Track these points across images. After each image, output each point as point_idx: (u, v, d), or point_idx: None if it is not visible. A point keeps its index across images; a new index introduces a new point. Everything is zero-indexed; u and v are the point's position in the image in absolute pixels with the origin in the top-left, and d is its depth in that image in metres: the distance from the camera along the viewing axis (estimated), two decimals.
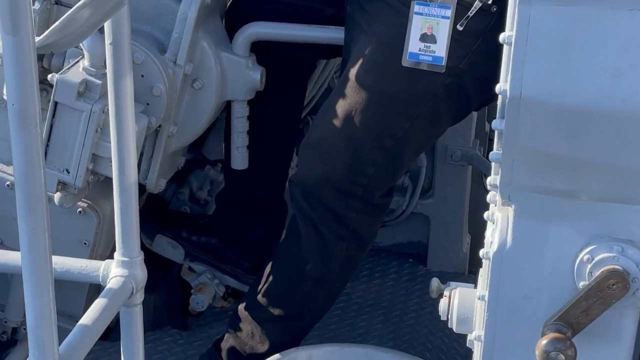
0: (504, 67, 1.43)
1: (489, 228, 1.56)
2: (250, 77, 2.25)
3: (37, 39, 1.35)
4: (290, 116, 2.50)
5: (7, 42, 1.30)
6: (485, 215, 1.56)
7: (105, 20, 1.60)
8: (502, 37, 1.42)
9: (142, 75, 2.08)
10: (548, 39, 1.38)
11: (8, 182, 2.17)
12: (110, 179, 1.80)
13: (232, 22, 2.29)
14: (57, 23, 1.41)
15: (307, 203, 2.18)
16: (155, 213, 2.54)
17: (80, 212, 2.16)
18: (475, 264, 2.70)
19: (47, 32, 1.40)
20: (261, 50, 2.28)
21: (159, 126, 2.18)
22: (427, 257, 2.96)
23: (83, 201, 2.16)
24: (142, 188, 2.19)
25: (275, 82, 2.33)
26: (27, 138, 1.36)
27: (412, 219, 2.93)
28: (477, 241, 2.64)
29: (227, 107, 2.36)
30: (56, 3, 2.06)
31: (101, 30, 1.67)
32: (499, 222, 1.51)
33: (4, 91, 2.02)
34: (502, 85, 1.43)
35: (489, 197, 1.55)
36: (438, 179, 2.87)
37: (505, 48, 1.42)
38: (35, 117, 1.35)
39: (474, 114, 2.70)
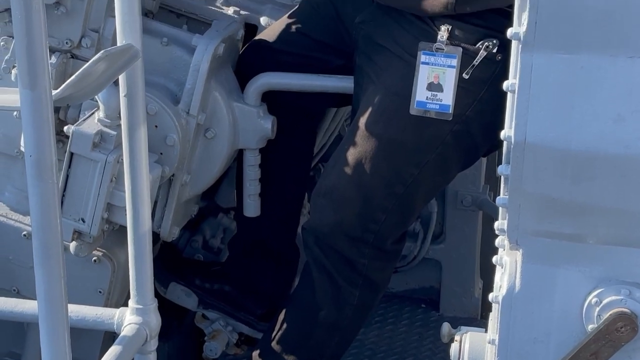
0: (508, 114, 1.46)
1: (498, 272, 1.58)
2: (261, 126, 2.29)
3: (54, 92, 1.40)
4: (301, 164, 2.54)
5: (25, 96, 1.35)
6: (494, 259, 1.59)
7: (120, 73, 1.65)
8: (505, 84, 1.46)
9: (156, 126, 2.12)
10: (551, 87, 1.42)
11: (24, 232, 2.21)
12: (125, 228, 1.84)
13: (243, 73, 2.34)
14: (73, 77, 1.46)
15: (320, 250, 2.21)
16: (168, 261, 2.57)
17: (95, 260, 2.19)
18: (487, 308, 2.71)
19: (63, 85, 1.44)
20: (272, 99, 2.33)
21: (173, 175, 2.22)
22: (439, 303, 2.98)
23: (98, 250, 2.19)
24: (155, 236, 2.22)
25: (286, 130, 2.37)
26: (44, 188, 1.40)
27: (424, 265, 2.95)
28: (489, 286, 2.65)
29: (239, 155, 2.40)
30: (72, 57, 2.12)
31: (116, 82, 1.73)
32: (507, 266, 1.54)
33: (21, 142, 2.10)
34: (507, 132, 1.47)
35: (497, 241, 1.58)
36: (449, 225, 2.90)
37: (509, 95, 1.46)
38: (52, 168, 1.39)
39: (483, 159, 2.73)
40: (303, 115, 2.44)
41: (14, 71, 2.07)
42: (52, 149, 1.39)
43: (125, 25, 1.67)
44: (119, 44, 1.69)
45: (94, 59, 1.50)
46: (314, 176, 2.68)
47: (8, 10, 2.03)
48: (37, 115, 1.36)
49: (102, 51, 1.51)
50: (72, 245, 2.09)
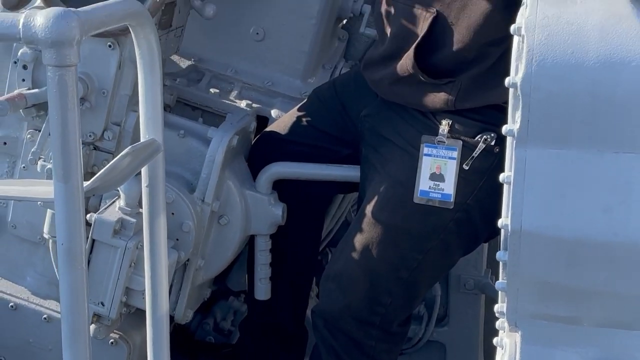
0: (505, 204, 1.56)
1: (499, 353, 1.65)
2: (272, 213, 2.38)
3: (84, 184, 1.51)
4: (310, 249, 2.60)
5: (59, 189, 1.46)
6: (495, 340, 1.66)
7: (143, 165, 1.76)
8: (501, 177, 1.56)
9: (173, 213, 2.21)
10: (543, 179, 1.52)
11: (45, 316, 2.28)
12: (141, 310, 1.92)
13: (255, 162, 2.42)
14: (103, 170, 1.57)
15: (329, 332, 2.27)
16: (181, 343, 2.63)
17: (112, 342, 2.26)
18: None
19: (94, 178, 1.56)
20: (282, 187, 2.41)
21: (188, 260, 2.31)
22: None
23: (115, 332, 2.26)
24: (169, 319, 2.29)
25: (295, 216, 2.44)
26: (74, 275, 1.49)
27: (429, 347, 2.99)
28: None
29: (249, 240, 2.49)
30: (95, 148, 2.23)
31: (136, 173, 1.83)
32: (507, 347, 1.61)
33: (44, 229, 2.19)
34: (504, 220, 1.56)
35: (497, 323, 1.65)
36: (452, 308, 2.94)
37: (505, 187, 1.56)
38: (82, 255, 1.49)
39: (485, 244, 2.81)
40: (311, 202, 2.51)
41: (40, 162, 2.17)
42: (82, 238, 1.49)
43: (148, 122, 1.78)
44: (142, 138, 1.80)
45: (122, 154, 1.62)
46: (321, 260, 2.76)
47: (36, 105, 2.15)
48: (69, 206, 1.46)
49: (129, 147, 1.63)
50: (92, 328, 2.16)
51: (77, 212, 1.47)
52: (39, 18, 1.39)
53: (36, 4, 2.08)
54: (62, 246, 1.48)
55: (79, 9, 1.45)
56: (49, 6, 2.01)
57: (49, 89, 1.42)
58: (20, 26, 1.40)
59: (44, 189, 1.60)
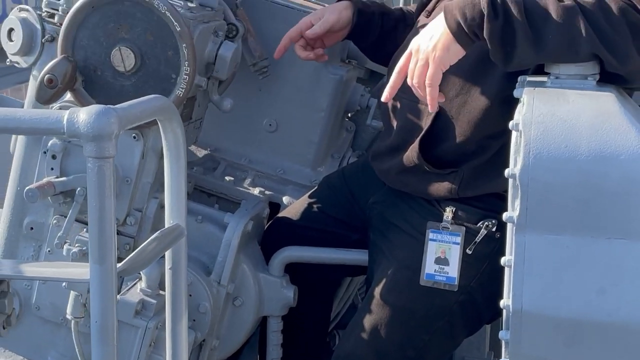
0: (506, 286, 1.67)
1: None
2: (284, 295, 2.47)
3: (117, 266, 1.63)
4: (319, 330, 2.68)
5: (94, 270, 1.58)
6: None
7: (167, 248, 1.88)
8: (502, 260, 1.68)
9: (190, 295, 2.31)
10: (541, 263, 1.64)
11: None
12: None
13: (268, 246, 2.52)
14: (134, 253, 1.70)
15: None
16: None
17: None
18: None
19: (125, 260, 1.68)
20: (294, 270, 2.51)
21: (203, 340, 2.40)
22: None
23: None
24: None
25: (306, 298, 2.53)
26: (106, 351, 1.60)
27: None
28: None
29: (261, 321, 2.58)
30: (117, 233, 2.33)
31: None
32: None
33: (67, 310, 2.30)
34: (506, 301, 1.67)
35: None
36: None
37: (506, 270, 1.68)
38: (113, 332, 1.60)
39: (487, 326, 2.89)
40: (321, 284, 2.60)
41: (65, 246, 2.27)
42: (114, 316, 1.60)
43: (173, 208, 1.91)
44: (167, 223, 1.93)
45: (151, 238, 1.75)
46: (329, 342, 2.85)
47: (63, 192, 2.28)
48: (103, 286, 1.58)
49: (158, 232, 1.76)
50: None
51: (110, 291, 1.59)
52: (82, 114, 1.54)
53: (67, 98, 2.23)
54: (96, 323, 1.59)
55: (116, 106, 1.60)
56: (78, 100, 2.17)
57: (89, 179, 1.55)
58: (65, 122, 1.54)
59: (79, 271, 1.71)
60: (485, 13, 1.87)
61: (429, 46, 1.96)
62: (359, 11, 2.50)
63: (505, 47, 1.88)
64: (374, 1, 2.60)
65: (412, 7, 2.62)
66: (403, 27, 2.51)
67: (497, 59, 1.93)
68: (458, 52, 1.96)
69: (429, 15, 2.31)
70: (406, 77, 2.05)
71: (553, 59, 1.87)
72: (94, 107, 1.55)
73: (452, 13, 1.93)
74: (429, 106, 2.01)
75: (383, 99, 2.10)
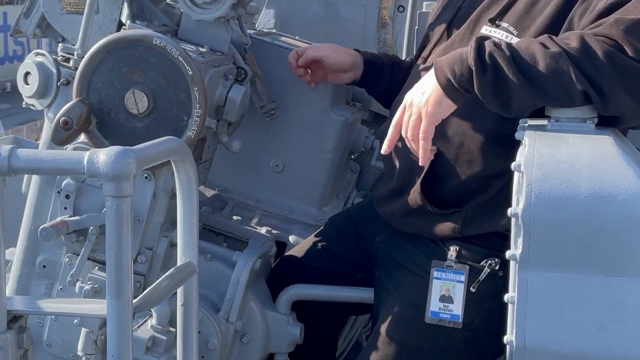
0: (510, 322, 1.72)
1: None
2: (291, 332, 2.51)
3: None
4: None
5: (111, 305, 1.62)
6: None
7: (180, 285, 1.93)
8: (506, 297, 1.73)
9: (200, 332, 2.35)
10: (544, 299, 1.69)
11: None
12: None
13: (275, 284, 2.57)
14: (148, 289, 1.75)
15: None
16: None
17: None
18: None
19: (140, 296, 1.73)
20: (300, 307, 2.55)
21: None
22: None
23: None
24: None
25: (312, 336, 2.57)
26: None
27: None
28: None
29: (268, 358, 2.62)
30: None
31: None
32: None
33: (78, 347, 2.34)
34: (509, 337, 1.72)
35: None
36: None
37: (509, 306, 1.73)
38: None
39: None
40: (327, 322, 2.64)
41: (78, 284, 2.33)
42: (130, 350, 1.65)
43: (185, 246, 1.97)
44: (179, 261, 1.98)
45: (165, 275, 1.80)
46: None
47: (76, 231, 2.33)
48: (120, 321, 1.63)
49: (172, 269, 1.81)
50: None
51: (127, 326, 1.64)
52: (102, 155, 1.60)
53: (80, 140, 2.30)
54: (112, 357, 1.64)
55: (134, 147, 1.66)
56: (92, 142, 2.24)
57: (107, 217, 1.61)
58: (85, 162, 1.60)
59: (95, 307, 1.76)
60: (474, 69, 1.94)
61: (422, 101, 2.04)
62: (367, 61, 2.61)
63: (500, 98, 1.95)
64: (385, 53, 2.68)
65: None
66: None
67: (495, 109, 1.99)
68: (449, 107, 2.03)
69: (424, 61, 2.39)
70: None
71: (551, 103, 1.93)
72: (113, 149, 1.61)
73: (441, 69, 2.01)
74: (420, 159, 2.07)
75: (383, 151, 2.17)
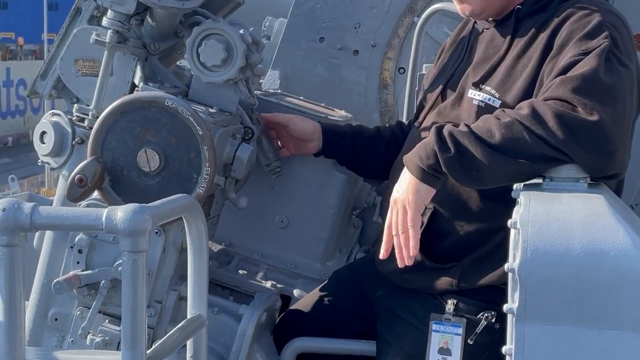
0: None
1: None
2: None
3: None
4: None
5: (126, 356, 1.70)
6: None
7: (190, 337, 2.01)
8: (504, 349, 1.80)
9: None
10: (541, 351, 1.76)
11: None
12: None
13: (280, 336, 2.63)
14: (160, 342, 1.83)
15: None
16: None
17: None
18: None
19: (153, 347, 1.81)
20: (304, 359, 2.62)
21: None
22: None
23: None
24: None
25: None
26: None
27: None
28: None
29: None
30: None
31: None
32: None
33: None
34: None
35: None
36: None
37: (507, 358, 1.80)
38: None
39: None
40: None
41: (89, 336, 2.40)
42: None
43: (195, 299, 2.05)
44: (189, 313, 2.06)
45: (177, 327, 1.88)
46: None
47: (88, 285, 2.41)
48: None
49: (184, 320, 1.89)
50: None
51: None
52: (119, 212, 1.69)
53: (93, 197, 2.39)
54: None
55: (149, 205, 1.75)
56: (105, 198, 2.32)
57: (124, 271, 1.70)
58: (104, 219, 1.69)
59: (110, 358, 1.84)
60: (437, 150, 2.08)
61: (402, 194, 2.18)
62: (326, 130, 2.72)
63: (469, 172, 2.07)
64: (349, 123, 2.82)
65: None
66: (379, 142, 2.74)
67: (470, 185, 2.14)
68: (428, 191, 2.16)
69: (420, 125, 2.50)
70: None
71: (524, 170, 2.03)
72: (130, 206, 1.70)
73: (411, 161, 2.16)
74: (411, 248, 2.16)
75: (381, 257, 2.26)
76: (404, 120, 2.99)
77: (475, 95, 2.31)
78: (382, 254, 2.24)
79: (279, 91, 3.17)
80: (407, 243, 2.17)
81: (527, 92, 2.19)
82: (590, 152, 1.98)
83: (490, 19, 2.40)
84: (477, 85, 2.32)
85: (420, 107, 2.58)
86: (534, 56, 2.23)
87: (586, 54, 2.07)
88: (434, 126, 2.13)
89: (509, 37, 2.33)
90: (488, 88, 2.30)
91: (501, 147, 2.02)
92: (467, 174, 2.08)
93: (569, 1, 2.27)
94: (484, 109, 2.23)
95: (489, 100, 2.27)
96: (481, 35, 2.44)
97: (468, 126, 2.09)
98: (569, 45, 2.14)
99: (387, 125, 2.88)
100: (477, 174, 2.06)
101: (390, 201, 2.23)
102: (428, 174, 2.13)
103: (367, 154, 2.72)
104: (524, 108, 2.04)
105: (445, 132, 2.09)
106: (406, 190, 2.16)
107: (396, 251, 2.20)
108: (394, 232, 2.20)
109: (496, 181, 2.09)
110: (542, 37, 2.24)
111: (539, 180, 2.01)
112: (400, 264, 2.20)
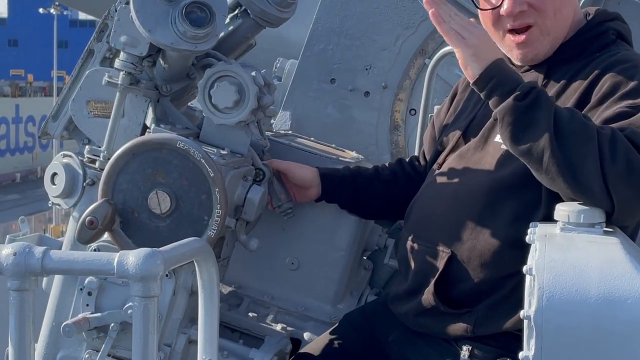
0: None
1: None
2: None
3: None
4: None
5: None
6: None
7: None
8: None
9: None
10: None
11: None
12: None
13: None
14: None
15: None
16: None
17: None
18: None
19: None
20: None
21: None
22: None
23: None
24: None
25: None
26: None
27: None
28: None
29: None
30: None
31: None
32: None
33: None
34: None
35: None
36: None
37: None
38: None
39: None
40: None
41: None
42: None
43: (206, 343, 2.03)
44: (199, 357, 2.04)
45: None
46: None
47: (97, 328, 2.39)
48: None
49: None
50: None
51: None
52: (131, 257, 1.67)
53: (104, 238, 2.38)
54: None
55: (161, 249, 1.74)
56: (116, 240, 2.31)
57: (135, 316, 1.68)
58: (115, 264, 1.68)
59: None
60: (515, 91, 2.10)
61: (467, 42, 2.17)
62: (324, 175, 2.71)
63: (518, 128, 2.07)
64: (346, 166, 2.80)
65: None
66: (377, 183, 2.72)
67: (504, 137, 2.12)
68: (475, 68, 2.16)
69: (440, 167, 2.49)
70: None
71: (548, 171, 2.05)
72: (142, 251, 1.68)
73: (488, 72, 2.15)
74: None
75: (426, 6, 2.22)
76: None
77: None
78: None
79: (290, 132, 3.17)
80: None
81: None
82: (634, 191, 2.00)
83: (521, 64, 2.40)
84: None
85: (439, 150, 2.56)
86: (567, 104, 2.23)
87: (635, 108, 2.10)
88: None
89: (540, 84, 2.32)
90: None
91: (565, 136, 2.03)
92: (515, 127, 2.08)
93: (604, 52, 2.28)
94: (511, 154, 2.20)
95: None
96: None
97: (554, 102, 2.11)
98: (612, 98, 2.16)
99: (387, 164, 2.86)
100: (523, 135, 2.07)
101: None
102: (486, 84, 2.14)
103: (367, 196, 2.71)
104: (606, 128, 2.06)
105: (534, 86, 2.11)
106: (467, 51, 2.17)
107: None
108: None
109: (523, 154, 2.09)
110: (578, 86, 2.25)
111: (554, 226, 1.99)
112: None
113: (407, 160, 2.83)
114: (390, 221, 3.02)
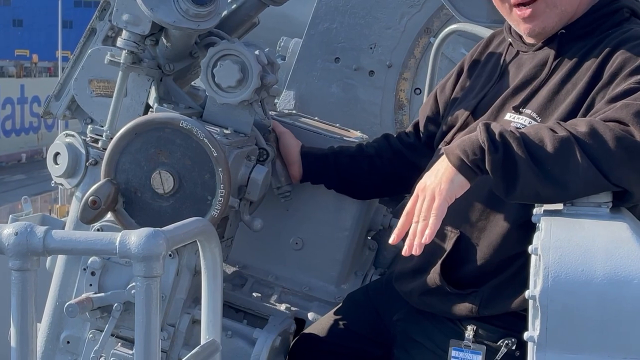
0: None
1: None
2: None
3: None
4: None
5: None
6: None
7: None
8: None
9: None
10: None
11: None
12: None
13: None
14: None
15: None
16: None
17: None
18: None
19: None
20: None
21: None
22: None
23: None
24: None
25: None
26: None
27: None
28: None
29: None
30: None
31: None
32: None
33: None
34: None
35: None
36: None
37: None
38: None
39: None
40: None
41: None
42: None
43: (209, 323, 2.02)
44: (202, 339, 2.03)
45: (191, 353, 1.85)
46: None
47: (100, 307, 2.38)
48: None
49: (198, 347, 1.86)
50: None
51: None
52: (133, 237, 1.66)
53: (106, 218, 2.37)
54: None
55: (164, 229, 1.73)
56: (119, 220, 2.30)
57: (137, 296, 1.67)
58: (117, 243, 1.67)
59: None
60: (486, 147, 2.00)
61: (434, 182, 2.08)
62: (304, 153, 2.69)
63: (508, 178, 2.00)
64: (331, 146, 2.76)
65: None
66: (360, 158, 2.69)
67: (499, 190, 2.04)
68: (462, 184, 2.06)
69: (447, 144, 2.46)
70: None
71: (556, 188, 1.97)
72: (144, 230, 1.67)
73: (453, 153, 2.07)
74: (427, 236, 2.06)
75: (391, 241, 2.18)
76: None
77: (513, 119, 2.27)
78: (394, 239, 2.16)
79: (294, 112, 3.15)
80: (424, 230, 2.07)
81: (570, 117, 2.14)
82: None
83: (533, 41, 2.36)
84: (517, 109, 2.28)
85: (445, 129, 2.53)
86: (580, 82, 2.20)
87: None
88: (481, 122, 2.06)
89: (552, 61, 2.29)
90: (529, 111, 2.26)
91: (549, 162, 1.95)
92: (505, 179, 2.00)
93: (617, 28, 2.25)
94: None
95: (529, 123, 2.22)
96: (516, 57, 2.41)
97: (519, 131, 2.02)
98: (622, 74, 2.12)
99: (371, 140, 2.82)
100: (514, 182, 1.99)
101: (417, 188, 2.13)
102: (468, 168, 2.04)
103: (351, 174, 2.68)
104: (580, 125, 1.98)
105: (495, 130, 2.01)
106: (440, 179, 2.07)
107: (408, 237, 2.10)
108: (414, 220, 2.10)
109: (523, 196, 2.02)
110: (591, 64, 2.21)
111: (560, 206, 1.98)
112: (406, 252, 2.10)
113: (395, 135, 2.80)
114: (395, 200, 3.00)
